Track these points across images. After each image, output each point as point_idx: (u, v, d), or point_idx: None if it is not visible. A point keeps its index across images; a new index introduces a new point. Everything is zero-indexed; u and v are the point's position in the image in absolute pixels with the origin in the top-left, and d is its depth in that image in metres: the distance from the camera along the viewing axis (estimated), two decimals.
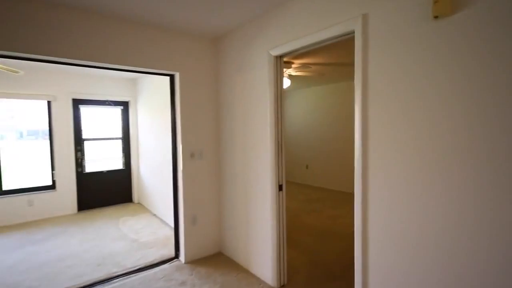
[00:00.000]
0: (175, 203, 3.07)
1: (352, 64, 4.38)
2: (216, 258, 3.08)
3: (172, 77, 2.97)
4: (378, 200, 1.70)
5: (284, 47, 2.27)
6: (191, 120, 2.99)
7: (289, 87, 6.76)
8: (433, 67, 1.43)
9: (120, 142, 5.37)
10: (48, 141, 4.62)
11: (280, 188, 2.50)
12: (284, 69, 4.20)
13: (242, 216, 2.88)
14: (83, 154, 4.90)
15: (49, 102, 4.56)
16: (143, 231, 3.93)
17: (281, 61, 2.45)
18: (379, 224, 1.69)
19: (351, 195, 5.81)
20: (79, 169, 4.86)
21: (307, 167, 7.02)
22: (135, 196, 5.47)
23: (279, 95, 2.47)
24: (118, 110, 5.32)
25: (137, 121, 5.39)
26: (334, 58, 3.99)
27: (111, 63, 2.47)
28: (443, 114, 1.40)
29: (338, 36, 1.90)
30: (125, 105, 5.34)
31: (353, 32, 1.79)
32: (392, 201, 1.63)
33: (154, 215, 4.67)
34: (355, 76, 1.78)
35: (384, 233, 1.68)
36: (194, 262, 3.00)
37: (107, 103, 5.14)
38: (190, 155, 2.98)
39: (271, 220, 2.50)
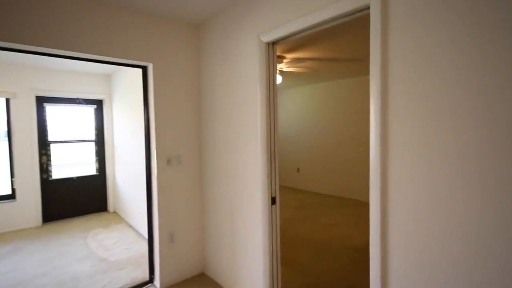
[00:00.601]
0: (149, 217, 2.61)
1: (352, 59, 4.02)
2: (198, 281, 2.64)
3: (144, 69, 2.51)
4: (407, 218, 1.31)
5: (277, 31, 1.86)
6: (168, 120, 2.54)
7: (279, 84, 6.38)
8: (500, 43, 1.05)
9: (93, 145, 4.84)
10: (7, 145, 4.05)
11: (273, 201, 2.09)
12: None
13: (228, 232, 2.45)
14: (49, 159, 4.34)
15: (7, 100, 4.00)
16: (115, 247, 3.44)
17: (274, 49, 2.04)
18: (405, 250, 1.31)
19: (345, 200, 5.47)
20: (45, 176, 4.30)
21: (298, 170, 6.65)
22: (111, 204, 4.94)
23: (272, 90, 2.06)
24: (90, 109, 4.78)
25: (112, 121, 4.86)
26: (333, 50, 3.59)
27: (67, 50, 2.00)
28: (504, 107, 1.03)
29: (347, 14, 1.51)
30: (98, 103, 4.81)
31: (368, 8, 1.41)
32: (428, 218, 1.25)
33: (130, 226, 4.18)
34: (370, 66, 1.39)
35: (412, 260, 1.29)
36: (172, 286, 2.55)
37: (77, 101, 4.60)
38: (166, 161, 2.53)
39: (263, 238, 2.08)
